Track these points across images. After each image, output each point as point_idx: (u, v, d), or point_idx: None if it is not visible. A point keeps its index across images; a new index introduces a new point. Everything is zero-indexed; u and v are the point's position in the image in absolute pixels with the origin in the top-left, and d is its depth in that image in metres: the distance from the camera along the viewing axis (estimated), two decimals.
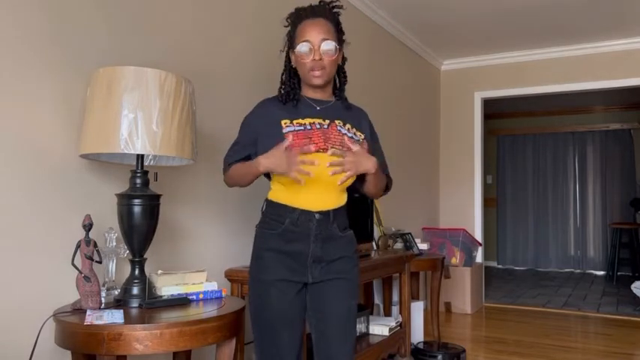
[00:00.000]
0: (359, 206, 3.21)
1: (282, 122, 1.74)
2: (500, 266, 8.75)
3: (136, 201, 1.79)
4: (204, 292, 1.98)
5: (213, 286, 2.01)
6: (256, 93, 2.76)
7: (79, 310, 1.72)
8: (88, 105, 1.77)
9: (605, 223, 8.20)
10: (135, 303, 1.79)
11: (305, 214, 1.73)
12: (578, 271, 8.30)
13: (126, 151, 1.69)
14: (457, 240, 5.12)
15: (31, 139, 1.81)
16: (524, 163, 8.73)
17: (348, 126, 1.80)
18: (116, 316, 1.62)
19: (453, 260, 5.11)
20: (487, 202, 8.38)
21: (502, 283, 7.07)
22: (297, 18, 1.78)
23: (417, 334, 3.88)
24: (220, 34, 2.67)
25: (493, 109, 8.17)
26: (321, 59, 1.72)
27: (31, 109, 1.81)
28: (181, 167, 2.39)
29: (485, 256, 8.49)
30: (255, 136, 1.79)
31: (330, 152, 1.68)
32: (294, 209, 1.74)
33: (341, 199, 1.82)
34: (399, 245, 4.00)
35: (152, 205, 1.83)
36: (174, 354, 2.06)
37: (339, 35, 1.79)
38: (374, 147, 1.90)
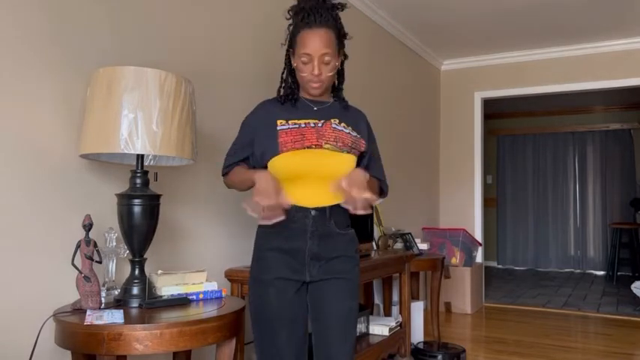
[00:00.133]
0: None
1: (278, 122, 1.76)
2: (500, 266, 8.75)
3: (136, 201, 1.79)
4: (204, 292, 1.98)
5: (213, 286, 2.01)
6: (256, 93, 2.76)
7: (79, 310, 1.72)
8: (88, 105, 1.77)
9: (605, 223, 8.20)
10: (135, 303, 1.79)
11: (301, 211, 1.75)
12: (578, 271, 8.31)
13: (126, 151, 1.69)
14: (457, 240, 5.12)
15: (31, 139, 1.81)
16: (524, 163, 8.73)
17: (343, 124, 1.81)
18: (116, 316, 1.62)
19: (453, 260, 5.11)
20: (487, 202, 8.38)
21: (502, 283, 7.07)
22: (299, 23, 1.74)
23: (417, 334, 3.88)
24: (220, 34, 2.67)
25: (493, 109, 8.17)
26: (320, 74, 1.73)
27: (31, 109, 1.81)
28: (181, 167, 2.39)
29: (486, 256, 8.50)
30: (252, 136, 1.81)
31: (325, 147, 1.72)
32: (290, 206, 1.75)
33: (339, 197, 1.81)
34: (399, 245, 4.00)
35: (152, 205, 1.83)
36: (174, 354, 2.06)
37: (340, 42, 1.78)
38: (371, 148, 1.91)
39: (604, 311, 5.31)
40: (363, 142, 1.84)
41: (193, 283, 1.99)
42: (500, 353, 3.85)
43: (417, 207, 5.22)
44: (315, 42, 1.69)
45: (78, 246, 1.73)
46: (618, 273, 7.43)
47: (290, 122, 1.75)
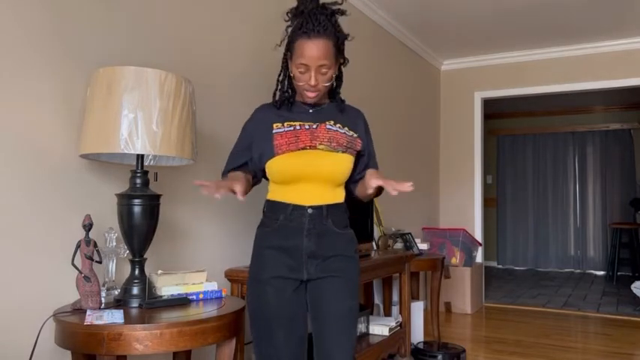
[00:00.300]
0: (359, 206, 3.21)
1: (274, 125, 1.78)
2: (500, 266, 8.75)
3: (136, 201, 1.79)
4: (204, 292, 1.98)
5: (213, 286, 2.01)
6: (256, 93, 2.77)
7: (79, 310, 1.72)
8: (88, 105, 1.77)
9: (605, 223, 8.20)
10: (135, 303, 1.79)
11: (298, 209, 1.76)
12: (578, 271, 8.31)
13: (126, 151, 1.69)
14: (457, 240, 5.12)
15: (31, 139, 1.81)
16: (524, 163, 8.73)
17: (338, 125, 1.82)
18: (116, 316, 1.62)
19: (453, 260, 5.11)
20: (487, 202, 8.38)
21: (502, 283, 7.07)
22: (297, 31, 1.72)
23: (417, 334, 3.88)
24: (220, 34, 2.67)
25: (493, 109, 8.17)
26: (317, 84, 1.73)
27: (31, 109, 1.81)
28: (181, 167, 2.39)
29: (486, 256, 8.50)
30: (250, 141, 1.83)
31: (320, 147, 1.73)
32: (287, 205, 1.77)
33: (336, 196, 1.82)
34: (399, 245, 4.00)
35: (152, 205, 1.83)
36: (174, 354, 2.06)
37: (338, 50, 1.77)
38: (368, 148, 1.92)
39: (604, 311, 5.31)
40: (359, 141, 1.86)
41: (193, 283, 1.99)
42: (501, 353, 3.85)
43: (417, 207, 5.22)
44: (313, 53, 1.68)
45: (78, 246, 1.73)
46: (618, 273, 7.43)
47: (285, 125, 1.77)
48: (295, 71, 1.74)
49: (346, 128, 1.83)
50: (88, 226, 1.74)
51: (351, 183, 1.94)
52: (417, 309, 3.91)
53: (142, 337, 1.56)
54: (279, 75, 1.85)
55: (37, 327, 1.75)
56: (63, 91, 1.91)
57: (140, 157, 1.86)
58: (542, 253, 8.52)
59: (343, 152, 1.78)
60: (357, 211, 3.18)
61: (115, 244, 1.94)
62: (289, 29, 1.79)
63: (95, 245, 1.75)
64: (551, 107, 8.38)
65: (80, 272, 1.72)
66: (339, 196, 1.83)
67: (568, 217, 8.45)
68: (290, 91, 1.84)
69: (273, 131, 1.76)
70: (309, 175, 1.75)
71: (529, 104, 8.07)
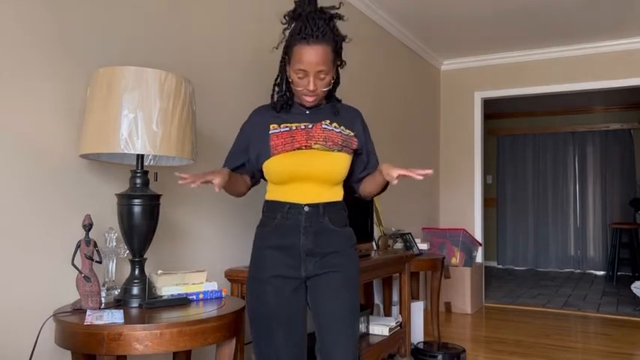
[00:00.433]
0: (359, 206, 3.21)
1: (271, 126, 1.80)
2: (500, 266, 8.75)
3: (136, 201, 1.79)
4: (204, 292, 1.98)
5: (213, 286, 2.01)
6: (256, 93, 2.76)
7: (79, 310, 1.72)
8: (88, 105, 1.77)
9: (605, 223, 8.20)
10: (135, 303, 1.79)
11: (294, 207, 1.78)
12: (578, 271, 8.31)
13: (126, 151, 1.69)
14: (457, 240, 5.12)
15: (31, 139, 1.81)
16: (524, 163, 8.73)
17: (335, 124, 1.83)
18: (116, 316, 1.62)
19: (453, 260, 5.11)
20: (487, 202, 8.38)
21: (502, 283, 7.07)
22: (295, 35, 1.71)
23: (417, 334, 3.88)
24: (221, 34, 2.67)
25: (493, 109, 8.17)
26: (315, 89, 1.73)
27: (31, 109, 1.81)
28: (181, 167, 2.39)
29: (486, 256, 8.50)
30: (247, 142, 1.85)
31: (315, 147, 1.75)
32: (284, 203, 1.79)
33: (333, 194, 1.83)
34: (399, 245, 4.00)
35: (152, 205, 1.83)
36: (174, 354, 2.06)
37: (337, 55, 1.77)
38: (367, 145, 1.93)
39: (604, 311, 5.30)
40: (356, 139, 1.87)
41: (193, 283, 1.99)
42: (501, 353, 3.85)
43: (417, 207, 5.22)
44: (312, 59, 1.68)
45: (78, 246, 1.73)
46: (618, 273, 7.43)
47: (282, 126, 1.79)
48: (294, 76, 1.74)
49: (342, 127, 1.84)
50: (88, 226, 1.74)
51: (353, 182, 1.95)
52: (417, 309, 3.91)
53: (142, 337, 1.56)
54: (277, 79, 1.86)
55: (37, 327, 1.75)
56: (63, 91, 1.91)
57: (140, 157, 1.86)
58: (542, 253, 8.51)
59: (339, 151, 1.80)
60: (357, 210, 3.18)
61: (115, 244, 1.94)
62: (286, 32, 1.78)
63: (95, 245, 1.75)
64: (551, 107, 8.38)
65: (80, 272, 1.72)
66: (336, 195, 1.84)
67: (568, 217, 8.45)
68: (288, 93, 1.85)
69: (270, 132, 1.78)
70: (305, 174, 1.77)
71: (529, 104, 8.07)
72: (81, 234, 1.81)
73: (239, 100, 2.75)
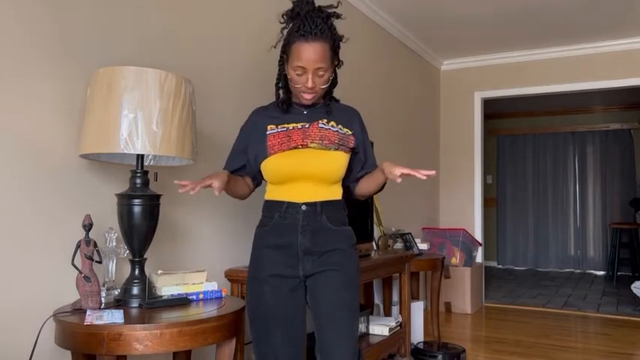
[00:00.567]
0: (359, 206, 3.21)
1: (268, 127, 1.81)
2: (500, 266, 8.75)
3: (136, 201, 1.79)
4: (204, 292, 1.98)
5: (213, 286, 2.01)
6: (256, 93, 2.76)
7: (79, 310, 1.72)
8: (88, 105, 1.77)
9: (605, 223, 8.20)
10: (135, 303, 1.79)
11: (292, 206, 1.79)
12: (578, 271, 8.31)
13: (126, 151, 1.69)
14: (457, 240, 5.12)
15: (31, 139, 1.81)
16: (524, 163, 8.73)
17: (332, 123, 1.84)
18: (116, 316, 1.62)
19: (453, 260, 5.11)
20: (487, 202, 8.38)
21: (502, 283, 7.07)
22: (294, 33, 1.71)
23: (417, 334, 3.88)
24: (220, 34, 2.67)
25: (493, 109, 8.17)
26: (314, 86, 1.74)
27: (31, 109, 1.81)
28: (181, 167, 2.39)
29: (486, 256, 8.50)
30: (246, 143, 1.87)
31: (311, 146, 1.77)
32: (282, 202, 1.80)
33: (331, 193, 1.83)
34: (399, 245, 4.00)
35: (152, 205, 1.83)
36: (174, 354, 2.06)
37: (335, 53, 1.77)
38: (364, 145, 1.93)
39: (604, 311, 5.30)
40: (353, 138, 1.87)
41: (193, 283, 1.99)
42: (501, 353, 3.85)
43: (417, 207, 5.22)
44: (310, 56, 1.69)
45: (78, 246, 1.73)
46: (618, 273, 7.43)
47: (279, 127, 1.81)
48: (292, 73, 1.74)
49: (340, 126, 1.85)
50: (88, 226, 1.74)
51: (350, 182, 1.95)
52: (417, 309, 3.91)
53: (142, 337, 1.56)
54: (277, 79, 1.87)
55: (37, 327, 1.75)
56: (63, 91, 1.91)
57: (140, 157, 1.86)
58: (542, 253, 8.51)
59: (336, 150, 1.80)
60: (357, 210, 3.18)
61: (115, 244, 1.94)
62: (285, 31, 1.79)
63: (95, 245, 1.75)
64: (551, 107, 8.38)
65: (80, 272, 1.72)
66: (334, 194, 1.84)
67: (568, 217, 8.45)
68: (287, 93, 1.85)
69: (267, 132, 1.80)
70: (302, 173, 1.78)
71: (529, 104, 8.07)
72: (81, 234, 1.81)
73: (239, 100, 2.75)
